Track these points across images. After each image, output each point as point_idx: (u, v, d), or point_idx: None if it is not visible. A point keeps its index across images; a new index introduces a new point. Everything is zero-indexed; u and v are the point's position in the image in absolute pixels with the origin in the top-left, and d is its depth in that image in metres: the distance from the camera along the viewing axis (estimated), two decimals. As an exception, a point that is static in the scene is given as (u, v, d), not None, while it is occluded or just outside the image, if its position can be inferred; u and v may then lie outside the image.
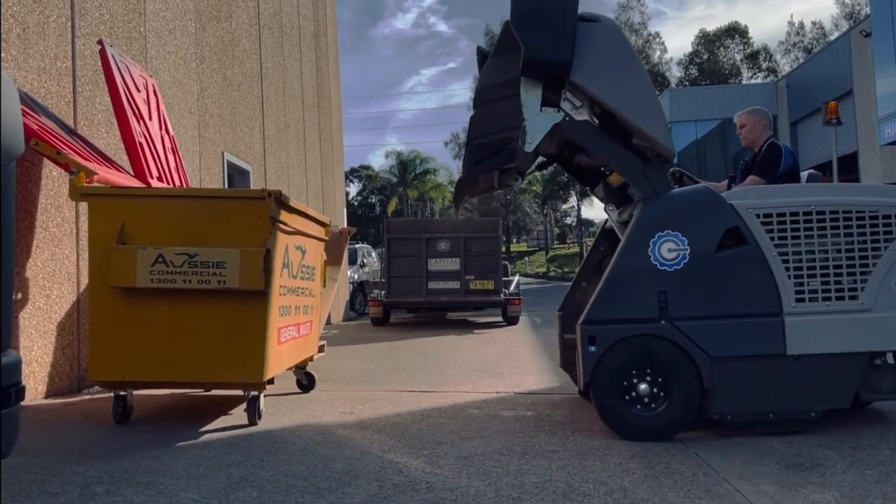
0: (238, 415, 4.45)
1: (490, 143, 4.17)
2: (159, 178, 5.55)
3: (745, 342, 3.81)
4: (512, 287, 12.72)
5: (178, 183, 6.01)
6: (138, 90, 5.67)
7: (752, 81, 49.81)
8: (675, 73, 55.24)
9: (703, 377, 3.78)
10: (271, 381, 4.32)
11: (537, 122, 4.02)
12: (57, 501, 2.85)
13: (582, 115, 4.04)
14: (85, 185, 4.17)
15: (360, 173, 63.68)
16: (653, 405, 3.83)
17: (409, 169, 50.38)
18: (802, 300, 3.82)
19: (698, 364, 3.79)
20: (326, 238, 5.44)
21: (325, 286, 5.62)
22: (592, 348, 3.87)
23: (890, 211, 3.82)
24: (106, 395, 5.20)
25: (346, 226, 11.09)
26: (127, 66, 5.60)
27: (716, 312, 3.84)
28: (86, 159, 4.59)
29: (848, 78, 23.96)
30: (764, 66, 53.58)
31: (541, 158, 4.92)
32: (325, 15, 14.66)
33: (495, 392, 5.44)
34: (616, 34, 4.07)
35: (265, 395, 4.48)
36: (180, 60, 7.53)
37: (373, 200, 62.75)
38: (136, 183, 5.09)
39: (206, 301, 4.02)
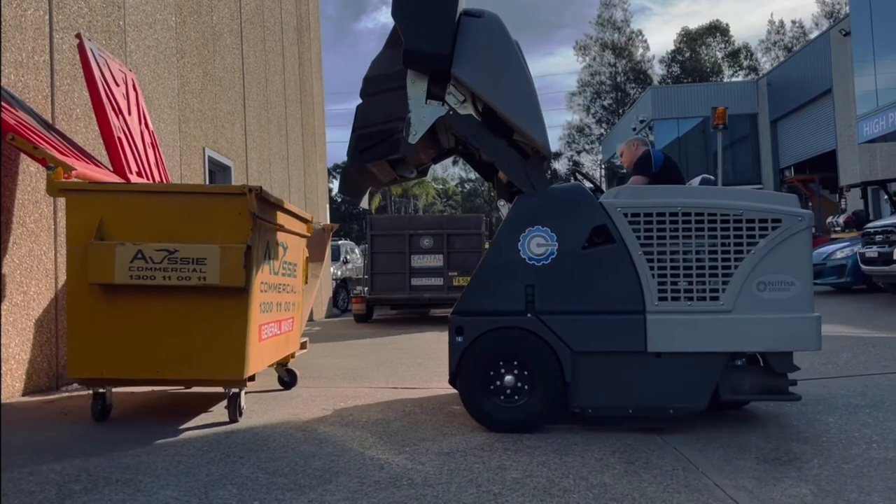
0: (219, 412, 4.43)
1: (375, 133, 4.16)
2: (139, 174, 5.50)
3: (607, 338, 3.85)
4: (495, 283, 12.74)
5: (157, 178, 5.96)
6: (117, 84, 5.61)
7: (734, 79, 50.26)
8: (657, 71, 55.59)
9: (566, 371, 3.83)
10: (252, 379, 4.30)
11: (422, 114, 4.03)
12: (34, 500, 2.82)
13: (466, 110, 4.04)
14: (63, 180, 4.12)
15: (343, 169, 63.47)
16: (516, 397, 3.88)
17: (392, 165, 50.20)
18: (665, 299, 3.85)
19: (561, 358, 3.83)
20: (308, 234, 5.42)
21: (307, 283, 5.60)
22: (459, 339, 3.92)
23: (754, 215, 3.84)
24: (84, 392, 5.16)
25: (328, 222, 11.05)
26: (106, 61, 5.54)
27: (580, 308, 3.89)
28: (63, 154, 4.53)
29: (827, 76, 24.27)
30: (745, 64, 54.10)
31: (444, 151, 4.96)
32: (308, 9, 14.58)
33: (477, 388, 5.44)
34: (499, 30, 4.06)
35: (246, 393, 4.45)
36: (160, 55, 7.46)
37: (356, 197, 62.50)
38: (114, 178, 5.03)
39: (186, 298, 3.99)
